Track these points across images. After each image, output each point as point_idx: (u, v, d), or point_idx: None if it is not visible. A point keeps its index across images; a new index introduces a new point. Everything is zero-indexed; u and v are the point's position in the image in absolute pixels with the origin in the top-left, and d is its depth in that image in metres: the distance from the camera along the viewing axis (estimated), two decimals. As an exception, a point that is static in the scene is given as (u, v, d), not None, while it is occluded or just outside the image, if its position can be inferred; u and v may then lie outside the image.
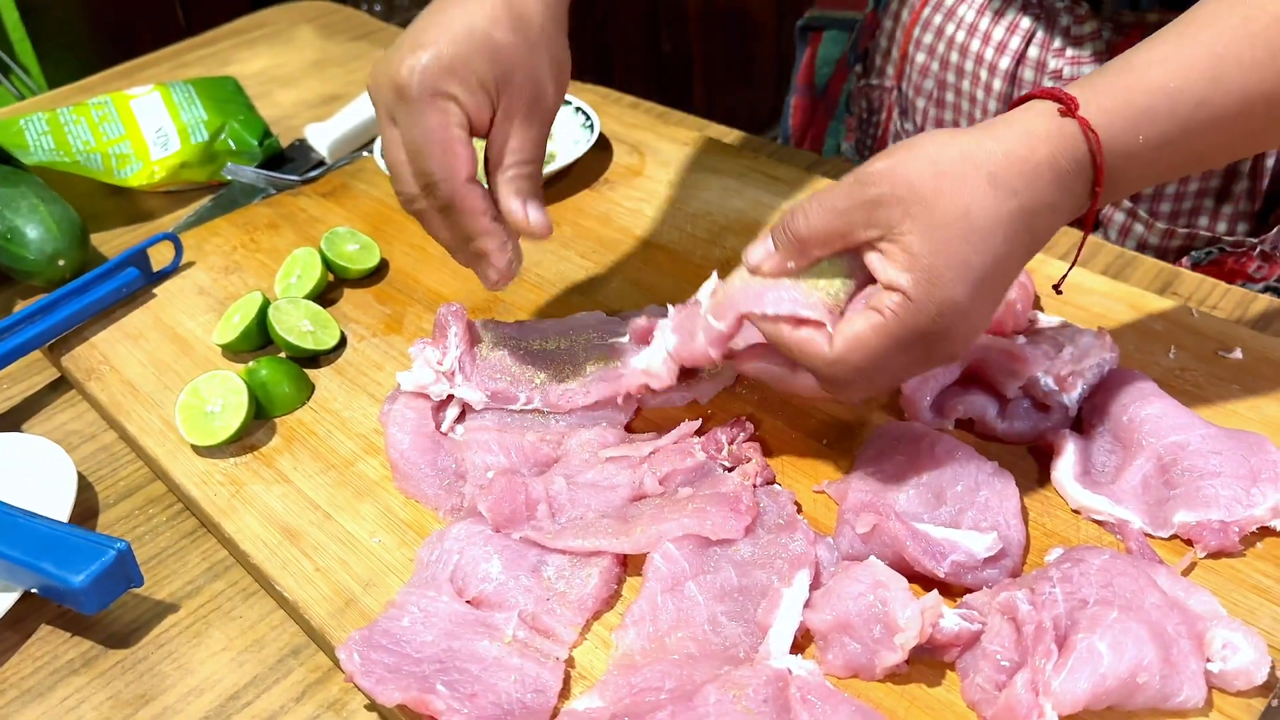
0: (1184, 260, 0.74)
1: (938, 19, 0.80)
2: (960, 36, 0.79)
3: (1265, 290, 0.72)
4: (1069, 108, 0.46)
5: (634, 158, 0.85)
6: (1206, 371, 0.59)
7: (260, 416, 0.62)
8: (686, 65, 2.21)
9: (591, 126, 0.84)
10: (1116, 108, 0.46)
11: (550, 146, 0.84)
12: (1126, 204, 0.75)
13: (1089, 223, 0.48)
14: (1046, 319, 0.60)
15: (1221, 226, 0.74)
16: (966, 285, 0.44)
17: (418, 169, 0.53)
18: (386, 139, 0.54)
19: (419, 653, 0.46)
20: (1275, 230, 0.72)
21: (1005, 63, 0.76)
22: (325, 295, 0.72)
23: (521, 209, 0.54)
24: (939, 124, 0.84)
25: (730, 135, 0.89)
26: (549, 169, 0.80)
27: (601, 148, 0.86)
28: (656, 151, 0.85)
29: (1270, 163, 0.72)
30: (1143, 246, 0.76)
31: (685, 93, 2.23)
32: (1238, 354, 0.60)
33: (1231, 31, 0.46)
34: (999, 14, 0.76)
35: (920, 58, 0.83)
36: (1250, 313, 0.66)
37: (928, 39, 0.81)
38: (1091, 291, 0.66)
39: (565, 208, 0.80)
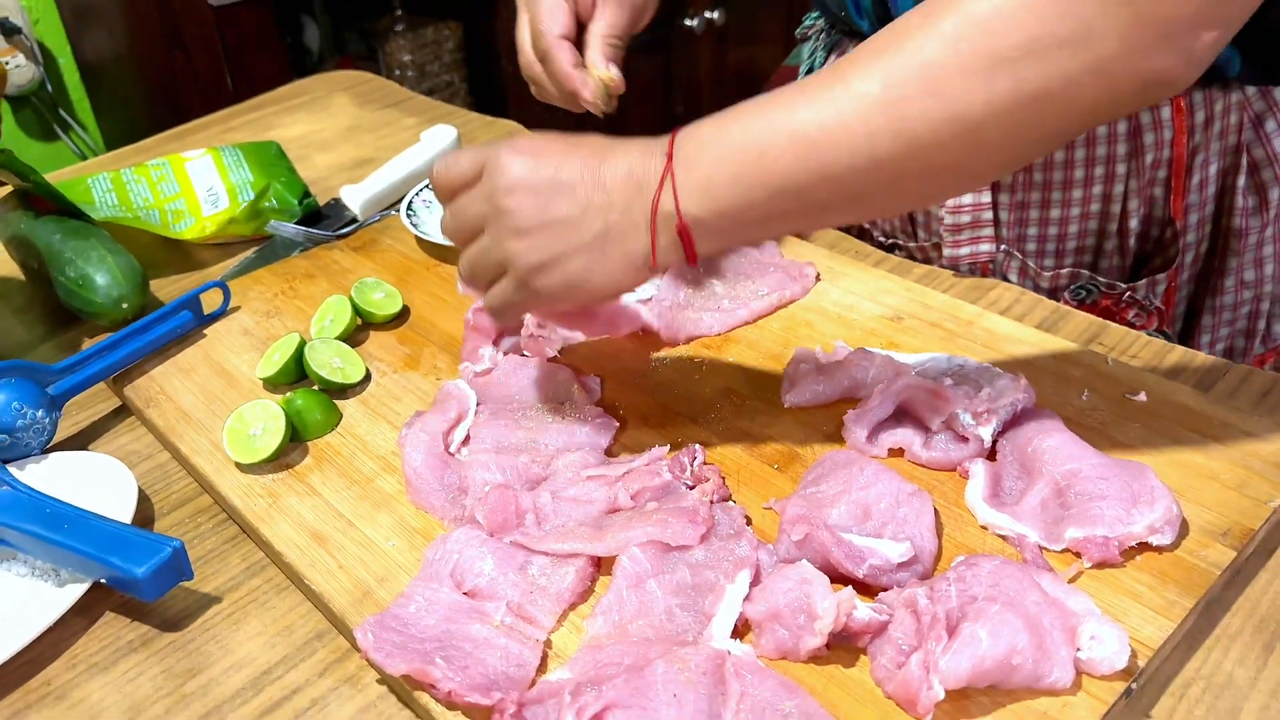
0: (1066, 295, 0.83)
1: None
2: None
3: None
4: (669, 151, 0.56)
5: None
6: (1113, 412, 0.68)
7: (295, 439, 0.72)
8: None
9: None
10: (705, 164, 0.55)
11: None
12: (1018, 255, 0.84)
13: (689, 256, 0.57)
14: (974, 363, 0.70)
15: (1100, 281, 0.83)
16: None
17: (533, 30, 0.72)
18: (519, 24, 0.74)
19: (422, 633, 0.55)
20: (1145, 281, 0.81)
21: None
22: (354, 337, 0.82)
23: (603, 64, 0.72)
24: None
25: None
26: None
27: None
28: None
29: (1134, 224, 0.81)
30: (1038, 290, 0.85)
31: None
32: (1142, 397, 0.68)
33: (823, 106, 0.52)
34: None
35: None
36: (1165, 362, 0.75)
37: None
38: (1022, 341, 0.74)
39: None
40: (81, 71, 1.99)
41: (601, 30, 0.73)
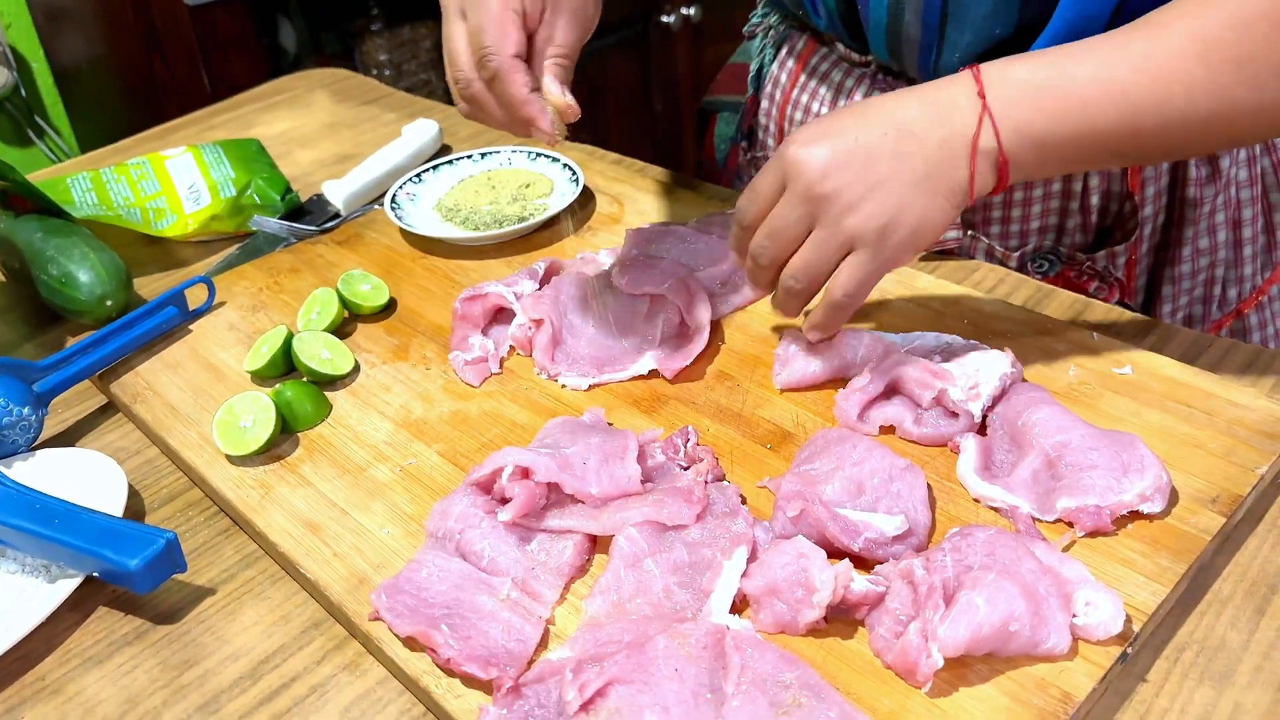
0: (1030, 268, 0.84)
1: (804, 97, 0.92)
2: (824, 111, 0.90)
3: None
4: (980, 92, 0.59)
5: (614, 207, 0.95)
6: (1100, 385, 0.68)
7: (286, 431, 0.72)
8: (677, 122, 2.33)
9: (577, 180, 0.95)
10: (1025, 108, 0.59)
11: (541, 200, 0.95)
12: (983, 239, 0.85)
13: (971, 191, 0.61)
14: (961, 341, 0.70)
15: (1060, 251, 0.84)
16: (825, 143, 0.60)
17: (475, 46, 0.65)
18: (451, 32, 0.67)
19: (432, 599, 0.56)
20: (1104, 253, 0.83)
21: None
22: (341, 329, 0.82)
23: (557, 88, 0.67)
24: None
25: (703, 187, 1.00)
26: (540, 218, 0.91)
27: (586, 198, 0.97)
28: (634, 201, 0.95)
29: (1095, 200, 0.82)
30: (1005, 267, 0.86)
31: (676, 148, 2.36)
32: (1128, 370, 0.69)
33: (1176, 47, 0.57)
34: (850, 93, 0.88)
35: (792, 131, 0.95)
36: (1149, 336, 0.76)
37: (798, 115, 0.93)
38: (1008, 320, 0.75)
39: (553, 251, 0.90)
40: (55, 76, 1.97)
41: (553, 50, 0.68)
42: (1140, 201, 0.82)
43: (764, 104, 0.98)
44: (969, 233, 0.86)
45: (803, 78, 0.92)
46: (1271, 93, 0.57)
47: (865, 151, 0.60)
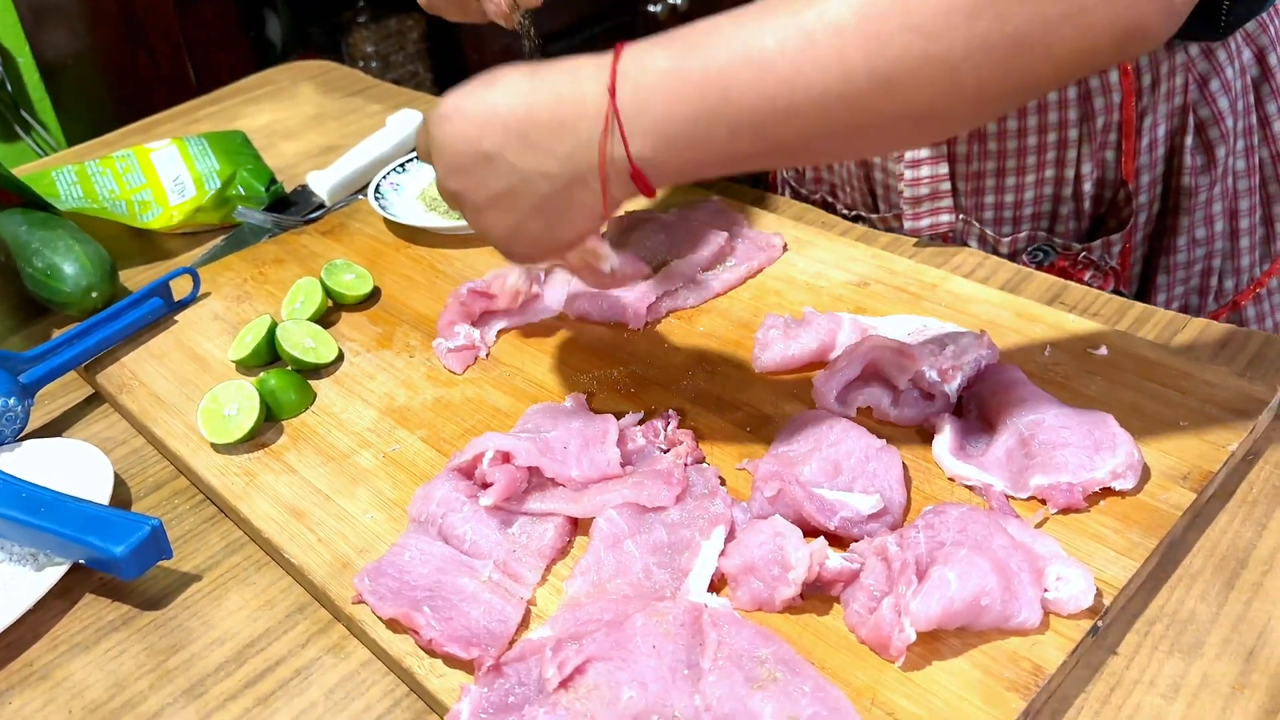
0: (1024, 258, 0.85)
1: None
2: None
3: None
4: (611, 88, 0.51)
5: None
6: (1075, 366, 0.69)
7: (270, 419, 0.72)
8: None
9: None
10: (659, 103, 0.50)
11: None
12: (976, 224, 0.86)
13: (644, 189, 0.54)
14: (937, 324, 0.71)
15: (1056, 241, 0.85)
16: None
17: None
18: None
19: (414, 582, 0.57)
20: (1099, 242, 0.83)
21: None
22: (325, 318, 0.83)
23: None
24: (815, 170, 0.96)
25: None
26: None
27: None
28: (617, 190, 0.96)
29: (1088, 188, 0.83)
30: (997, 254, 0.87)
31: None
32: (1103, 350, 0.70)
33: (794, 34, 0.48)
34: None
35: None
36: (1125, 318, 0.77)
37: None
38: (985, 302, 0.76)
39: (536, 240, 0.91)
40: (41, 70, 1.97)
41: None
42: (1135, 190, 0.83)
43: None
44: (961, 218, 0.86)
45: None
46: (942, 40, 0.47)
47: (483, 161, 0.55)
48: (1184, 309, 0.88)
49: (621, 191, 0.55)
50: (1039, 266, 0.86)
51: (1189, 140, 0.81)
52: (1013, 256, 0.86)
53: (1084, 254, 0.84)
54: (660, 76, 0.51)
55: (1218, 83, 0.80)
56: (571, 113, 0.52)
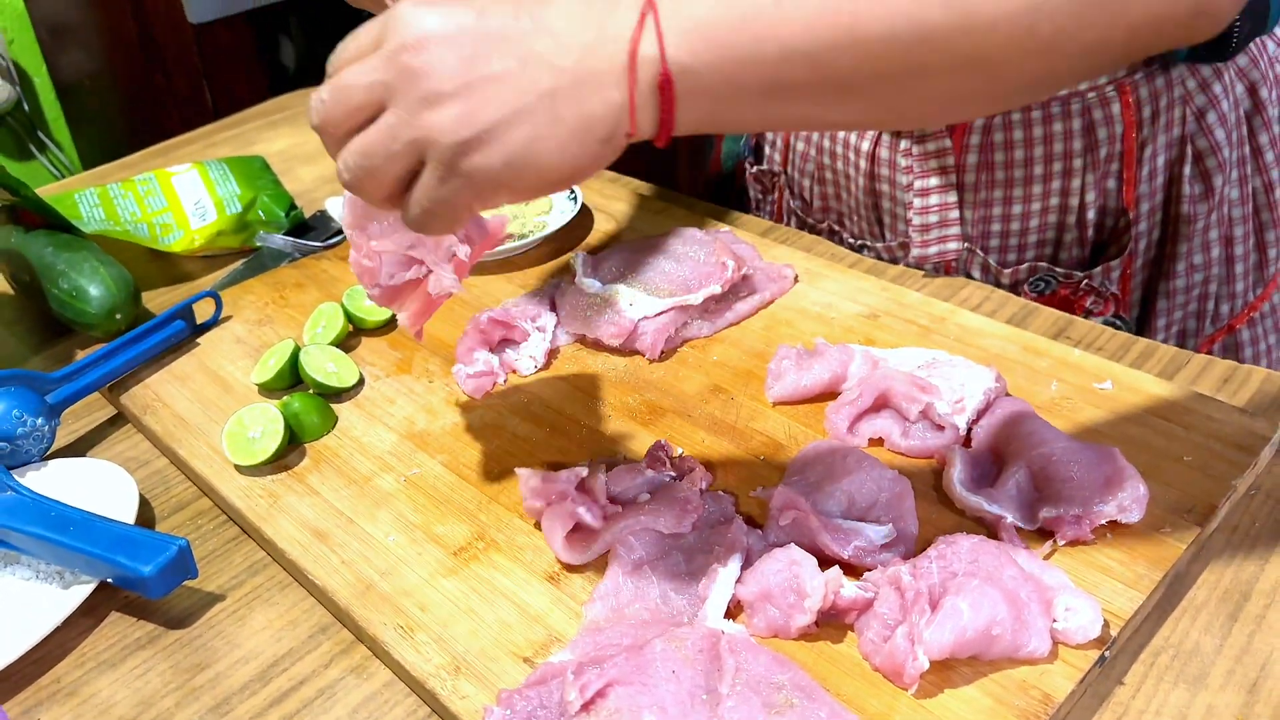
0: (1025, 289, 0.87)
1: None
2: None
3: (1104, 324, 0.84)
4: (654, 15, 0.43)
5: (611, 224, 0.98)
6: (1082, 400, 0.71)
7: (293, 442, 0.74)
8: (672, 146, 2.36)
9: (575, 199, 0.97)
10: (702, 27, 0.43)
11: (540, 217, 0.97)
12: (979, 253, 0.88)
13: (664, 134, 0.46)
14: (947, 356, 0.73)
15: (1058, 271, 0.87)
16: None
17: None
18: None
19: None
20: (1100, 268, 0.86)
21: (865, 145, 0.90)
22: (346, 342, 0.84)
23: None
24: (822, 199, 0.97)
25: (698, 205, 1.03)
26: (539, 235, 0.93)
27: (585, 216, 0.99)
28: (630, 219, 0.98)
29: (1092, 215, 0.85)
30: (999, 286, 0.88)
31: (669, 164, 2.38)
32: (1109, 385, 0.72)
33: None
34: None
35: (800, 146, 0.97)
36: (1129, 353, 0.78)
37: (803, 130, 0.95)
38: (993, 336, 0.78)
39: (552, 268, 0.92)
40: (58, 91, 1.99)
41: None
42: (1135, 217, 0.85)
43: None
44: (966, 246, 0.88)
45: None
46: None
47: (481, 36, 0.44)
48: (1182, 333, 0.90)
49: (642, 112, 0.45)
50: (1040, 296, 0.88)
51: (1187, 170, 0.84)
52: (1014, 287, 0.88)
53: (1085, 281, 0.86)
54: None
55: (1214, 115, 0.83)
56: (600, 3, 0.44)
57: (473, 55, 0.44)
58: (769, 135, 1.02)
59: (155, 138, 1.32)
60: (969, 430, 0.68)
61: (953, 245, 0.88)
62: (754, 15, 0.43)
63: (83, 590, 0.64)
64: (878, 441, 0.69)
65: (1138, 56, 0.50)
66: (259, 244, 1.00)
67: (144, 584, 0.62)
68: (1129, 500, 0.60)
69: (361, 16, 0.54)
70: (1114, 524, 0.61)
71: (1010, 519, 0.61)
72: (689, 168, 2.41)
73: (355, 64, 0.46)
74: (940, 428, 0.67)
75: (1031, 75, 0.47)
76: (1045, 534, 0.61)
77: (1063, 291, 0.87)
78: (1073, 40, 0.45)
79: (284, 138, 1.27)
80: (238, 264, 1.00)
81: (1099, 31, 0.45)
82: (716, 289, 0.81)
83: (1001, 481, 0.64)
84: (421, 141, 0.45)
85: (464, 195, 0.46)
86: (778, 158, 1.01)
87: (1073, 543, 0.60)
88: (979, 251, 0.88)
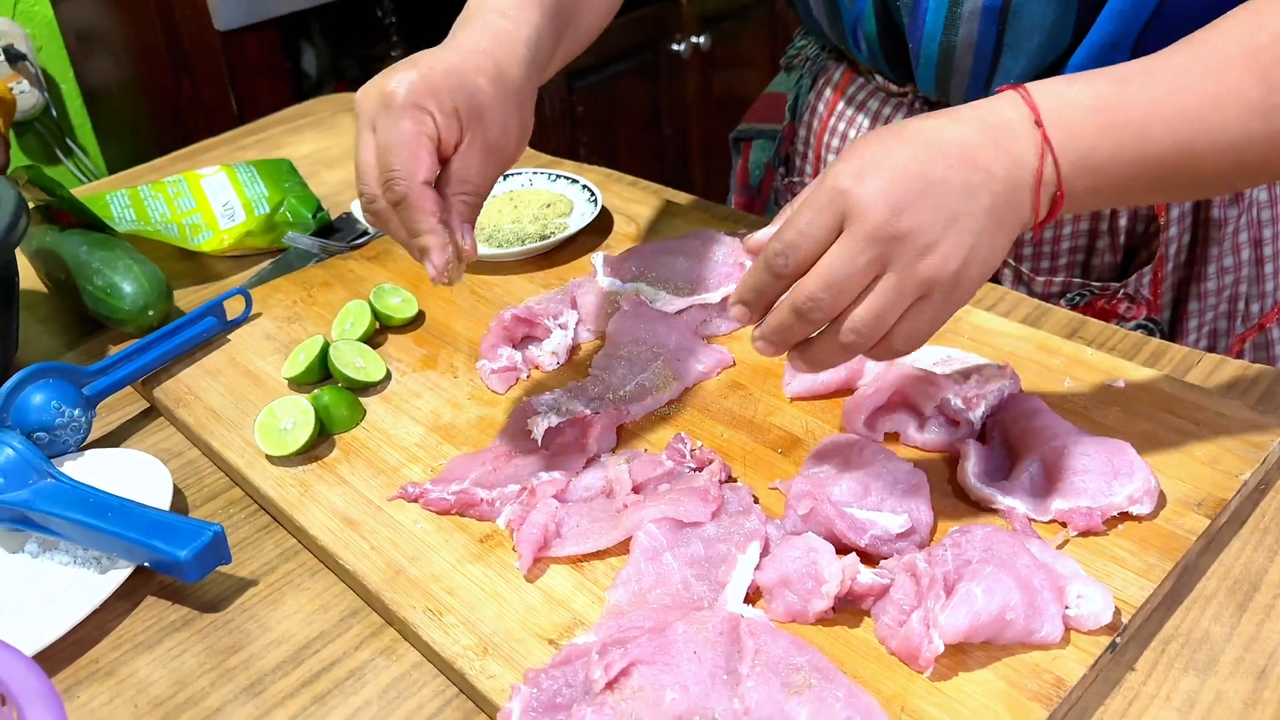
0: (1061, 302, 0.89)
1: (842, 125, 0.96)
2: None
3: (1136, 328, 0.86)
4: (1037, 120, 0.55)
5: (631, 227, 1.00)
6: (1094, 397, 0.72)
7: (323, 434, 0.76)
8: (685, 147, 2.38)
9: (596, 201, 0.99)
10: (1085, 136, 0.55)
11: (561, 219, 0.99)
12: (1011, 261, 0.89)
13: (1038, 223, 0.57)
14: (961, 354, 0.74)
15: (1091, 277, 0.88)
16: (886, 177, 0.53)
17: (383, 166, 0.61)
18: (362, 143, 0.62)
19: None
20: (1134, 276, 0.87)
21: None
22: (373, 339, 0.86)
23: (459, 227, 0.63)
24: None
25: (716, 209, 1.04)
26: (560, 237, 0.95)
27: (604, 219, 1.01)
28: (650, 221, 1.00)
29: (1124, 222, 0.87)
30: (1031, 295, 0.90)
31: (684, 172, 2.41)
32: (1121, 383, 0.73)
33: (1231, 67, 0.55)
34: (888, 120, 0.92)
35: (830, 158, 0.99)
36: (1141, 352, 0.80)
37: (835, 142, 0.97)
38: (1007, 335, 0.79)
39: (573, 268, 0.94)
40: (85, 97, 2.02)
41: (461, 187, 0.63)
42: (1165, 223, 0.86)
43: (801, 131, 1.02)
44: None
45: (840, 105, 0.96)
46: None
47: (934, 185, 0.53)
48: (1213, 333, 0.92)
49: (1042, 212, 0.57)
50: (1074, 306, 0.89)
51: None
52: (1047, 298, 0.89)
53: (1121, 290, 0.87)
54: (1084, 113, 0.55)
55: None
56: (1005, 135, 0.55)
57: (939, 203, 0.53)
58: (799, 146, 1.03)
59: (180, 144, 1.34)
60: (983, 425, 0.69)
61: None
62: (1124, 148, 0.55)
63: (120, 574, 0.66)
64: (893, 436, 0.70)
65: None
66: (287, 244, 1.02)
67: (179, 568, 0.64)
68: (1140, 492, 0.61)
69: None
70: (1125, 516, 0.62)
71: (1023, 510, 0.63)
72: (708, 175, 2.43)
73: (833, 253, 0.54)
74: (955, 423, 0.69)
75: None
76: (1058, 525, 0.62)
77: (1099, 302, 0.89)
78: None
79: (309, 142, 1.30)
80: (265, 264, 1.02)
81: None
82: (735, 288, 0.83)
83: (1015, 474, 0.65)
84: (927, 283, 0.54)
85: (954, 309, 0.57)
86: (809, 169, 1.02)
87: (1085, 533, 0.62)
88: (1011, 260, 0.90)
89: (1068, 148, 0.55)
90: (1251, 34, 0.55)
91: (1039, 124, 0.55)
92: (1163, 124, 0.55)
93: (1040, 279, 0.89)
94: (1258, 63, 0.54)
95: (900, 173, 0.53)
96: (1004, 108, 0.56)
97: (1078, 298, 0.89)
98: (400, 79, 0.61)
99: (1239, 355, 0.92)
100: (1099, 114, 0.55)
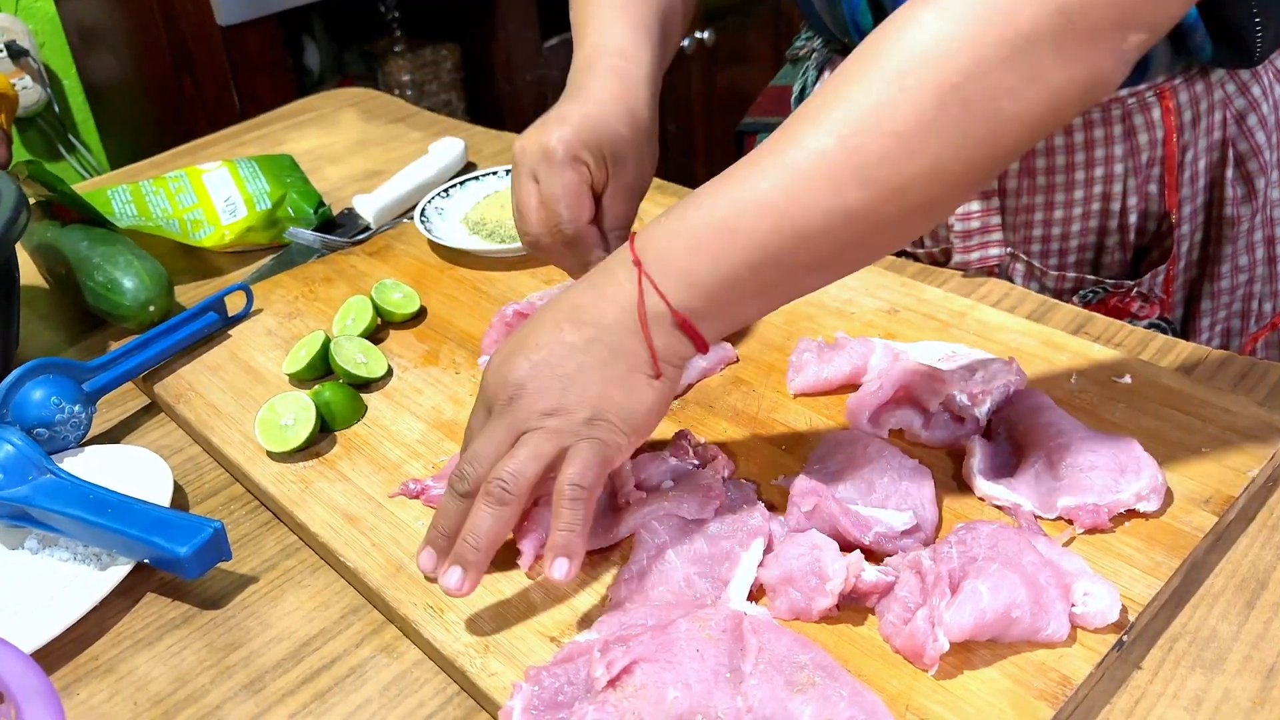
0: (1074, 299, 0.88)
1: None
2: None
3: (1149, 327, 0.85)
4: (635, 259, 0.56)
5: (635, 221, 0.99)
6: (1100, 393, 0.72)
7: (324, 430, 0.75)
8: (689, 143, 2.38)
9: (598, 196, 0.99)
10: (677, 256, 0.55)
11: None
12: (1023, 257, 0.88)
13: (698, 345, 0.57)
14: (966, 350, 0.74)
15: (1102, 274, 0.88)
16: (526, 360, 0.57)
17: (550, 213, 0.67)
18: (523, 190, 0.68)
19: None
20: (1148, 275, 0.86)
21: None
22: (375, 335, 0.86)
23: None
24: None
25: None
26: (562, 232, 0.95)
27: (607, 214, 1.01)
28: (652, 216, 0.99)
29: (1134, 219, 0.86)
30: (1043, 290, 0.89)
31: (688, 167, 2.40)
32: (1127, 379, 0.72)
33: (783, 172, 0.53)
34: None
35: None
36: (1148, 348, 0.79)
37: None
38: (1013, 331, 0.78)
39: (575, 264, 0.94)
40: (87, 93, 2.02)
41: (613, 224, 0.70)
42: (1177, 220, 0.86)
43: None
44: (1008, 250, 0.89)
45: None
46: (917, 138, 0.51)
47: (549, 351, 0.57)
48: (1226, 331, 0.91)
49: (672, 349, 0.57)
50: (1087, 304, 0.88)
51: (1229, 173, 0.85)
52: (1059, 295, 0.89)
53: (1135, 289, 0.87)
54: (672, 236, 0.56)
55: (1255, 118, 0.84)
56: (608, 283, 0.57)
57: (554, 369, 0.57)
58: None
59: (182, 139, 1.34)
60: (988, 421, 0.69)
61: (994, 251, 0.89)
62: (718, 254, 0.54)
63: (120, 571, 0.66)
64: (898, 433, 0.70)
65: (1051, 133, 0.59)
66: (289, 240, 1.02)
67: (180, 565, 0.63)
68: (1147, 489, 0.61)
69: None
70: (1132, 513, 0.62)
71: (1029, 507, 0.62)
72: (712, 170, 2.43)
73: (479, 436, 0.58)
74: (960, 419, 0.68)
75: (963, 188, 0.55)
76: (1064, 522, 0.62)
77: (1111, 300, 0.88)
78: (986, 158, 0.52)
79: (310, 138, 1.29)
80: (267, 259, 1.02)
81: (1002, 142, 0.52)
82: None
83: (1021, 471, 0.64)
84: (556, 434, 0.57)
85: (606, 452, 0.57)
86: None
87: (1091, 531, 0.61)
88: (1022, 255, 0.89)
89: (666, 273, 0.55)
90: (827, 107, 0.53)
91: (636, 262, 0.56)
92: (752, 215, 0.53)
93: (1053, 273, 0.89)
94: (836, 124, 0.52)
95: (522, 351, 0.57)
96: (614, 263, 0.57)
97: (1090, 295, 0.88)
98: (557, 135, 0.67)
99: (1252, 354, 0.91)
100: (685, 233, 0.55)
